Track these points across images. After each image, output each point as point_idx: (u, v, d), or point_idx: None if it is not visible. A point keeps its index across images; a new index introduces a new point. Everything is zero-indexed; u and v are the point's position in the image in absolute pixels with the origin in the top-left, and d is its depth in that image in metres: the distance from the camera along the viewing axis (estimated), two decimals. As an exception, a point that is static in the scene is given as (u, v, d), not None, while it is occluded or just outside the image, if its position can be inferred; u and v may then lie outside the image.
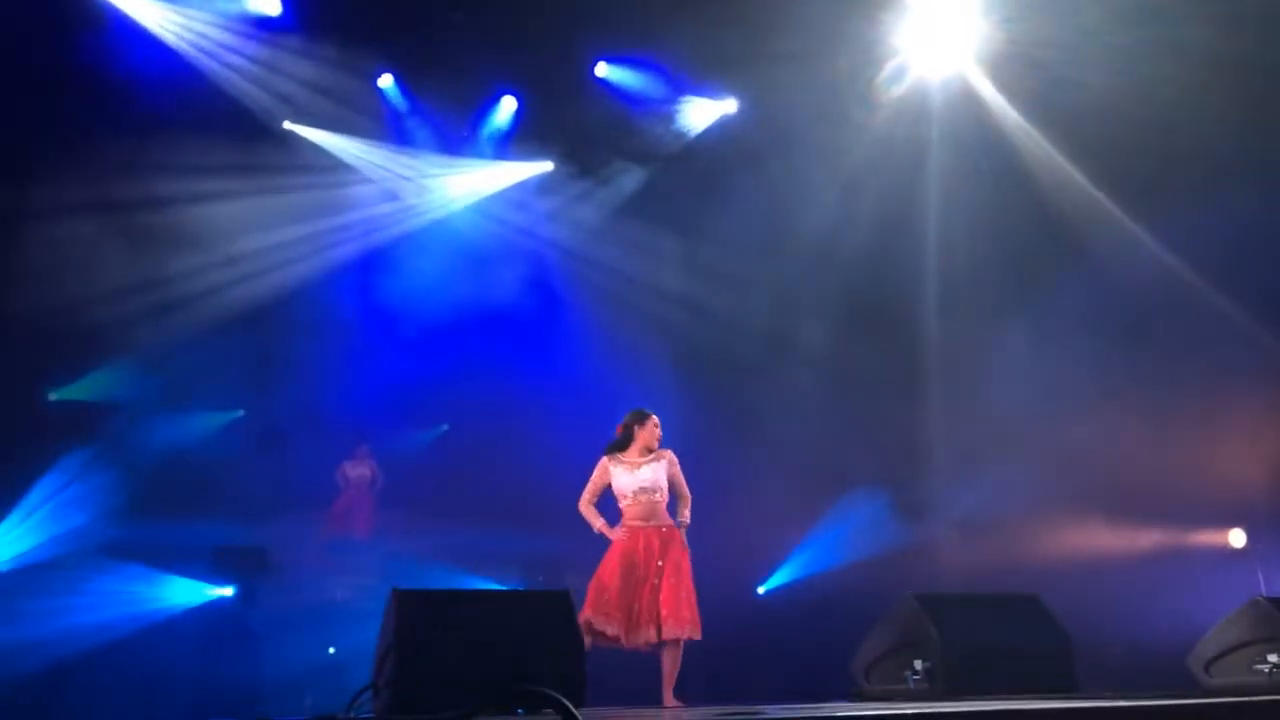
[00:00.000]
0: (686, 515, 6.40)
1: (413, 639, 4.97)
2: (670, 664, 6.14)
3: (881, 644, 6.51)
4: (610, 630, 6.06)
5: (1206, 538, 9.23)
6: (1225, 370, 8.69)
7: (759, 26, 9.26)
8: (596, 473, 6.44)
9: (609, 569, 6.21)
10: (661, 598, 6.10)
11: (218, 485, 9.24)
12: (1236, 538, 9.27)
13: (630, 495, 6.28)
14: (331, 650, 8.74)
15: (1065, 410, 9.13)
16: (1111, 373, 8.90)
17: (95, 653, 7.81)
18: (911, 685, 6.16)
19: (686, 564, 6.26)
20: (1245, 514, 9.03)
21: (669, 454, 6.43)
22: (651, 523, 6.26)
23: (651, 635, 6.11)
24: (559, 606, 5.30)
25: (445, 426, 11.01)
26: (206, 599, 8.84)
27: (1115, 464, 8.93)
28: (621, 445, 6.44)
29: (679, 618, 6.07)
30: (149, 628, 8.25)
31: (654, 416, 6.47)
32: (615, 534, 6.31)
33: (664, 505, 6.34)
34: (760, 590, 10.03)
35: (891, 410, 9.96)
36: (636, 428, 6.42)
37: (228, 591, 8.89)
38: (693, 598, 6.20)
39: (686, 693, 6.27)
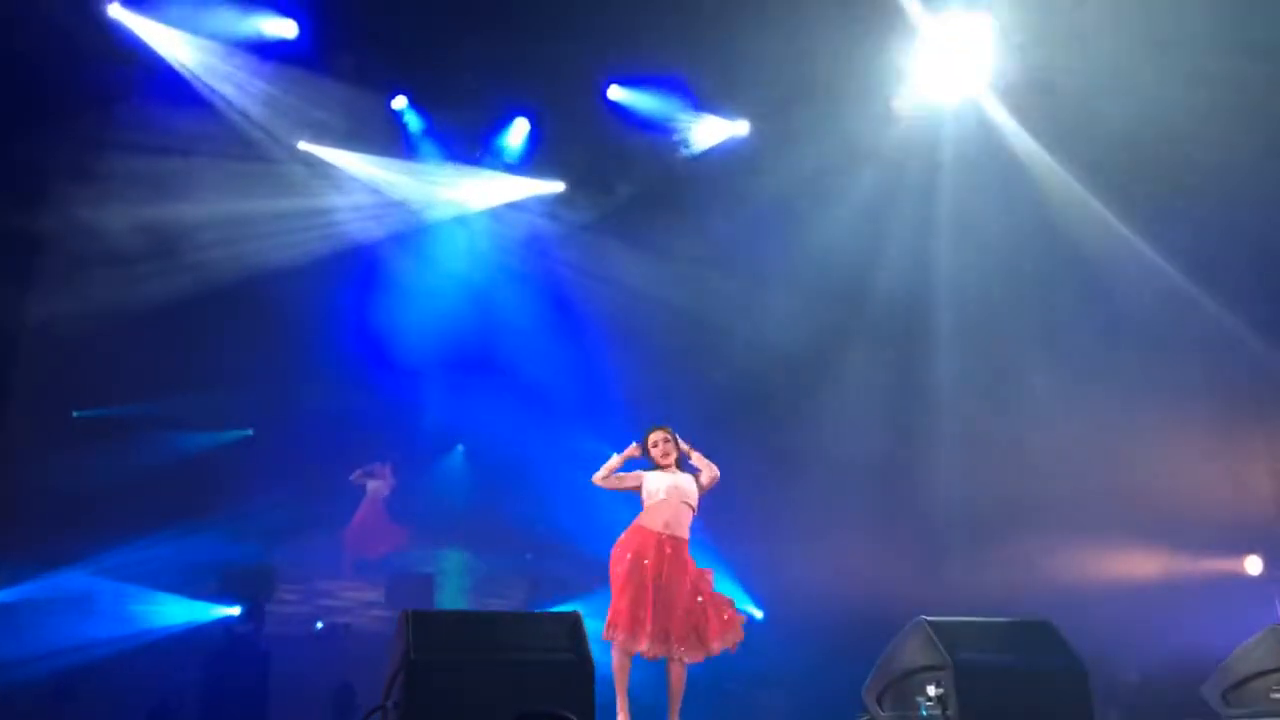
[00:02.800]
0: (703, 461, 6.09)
1: (422, 660, 4.95)
2: (679, 683, 5.99)
3: (893, 669, 6.44)
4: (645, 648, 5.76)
5: (1223, 564, 9.14)
6: (1242, 397, 8.65)
7: (771, 51, 9.30)
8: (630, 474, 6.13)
9: (639, 584, 5.83)
10: (708, 615, 5.95)
11: (226, 503, 9.25)
12: (1253, 564, 9.18)
13: (663, 491, 5.98)
14: (319, 624, 8.71)
15: (1079, 435, 9.08)
16: (1126, 398, 8.86)
17: (104, 670, 7.80)
18: (925, 712, 6.08)
19: (699, 582, 6.06)
20: (1262, 541, 8.95)
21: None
22: (668, 530, 5.94)
23: (689, 650, 5.94)
24: (569, 628, 5.27)
25: (460, 447, 11.00)
26: (214, 618, 8.83)
27: (1130, 490, 8.87)
28: (653, 465, 6.17)
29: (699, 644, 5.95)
30: (156, 646, 8.23)
31: (654, 434, 6.13)
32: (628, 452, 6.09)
33: (688, 518, 6.05)
34: (758, 614, 9.93)
35: (902, 432, 9.93)
36: (644, 450, 6.14)
37: (235, 611, 8.88)
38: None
39: (694, 715, 6.19)
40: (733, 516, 9.19)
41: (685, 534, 6.05)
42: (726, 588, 8.45)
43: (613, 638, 5.74)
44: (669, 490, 6.02)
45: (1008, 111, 9.38)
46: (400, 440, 10.54)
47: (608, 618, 5.76)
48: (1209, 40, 7.96)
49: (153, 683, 7.95)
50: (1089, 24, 8.42)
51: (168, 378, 9.59)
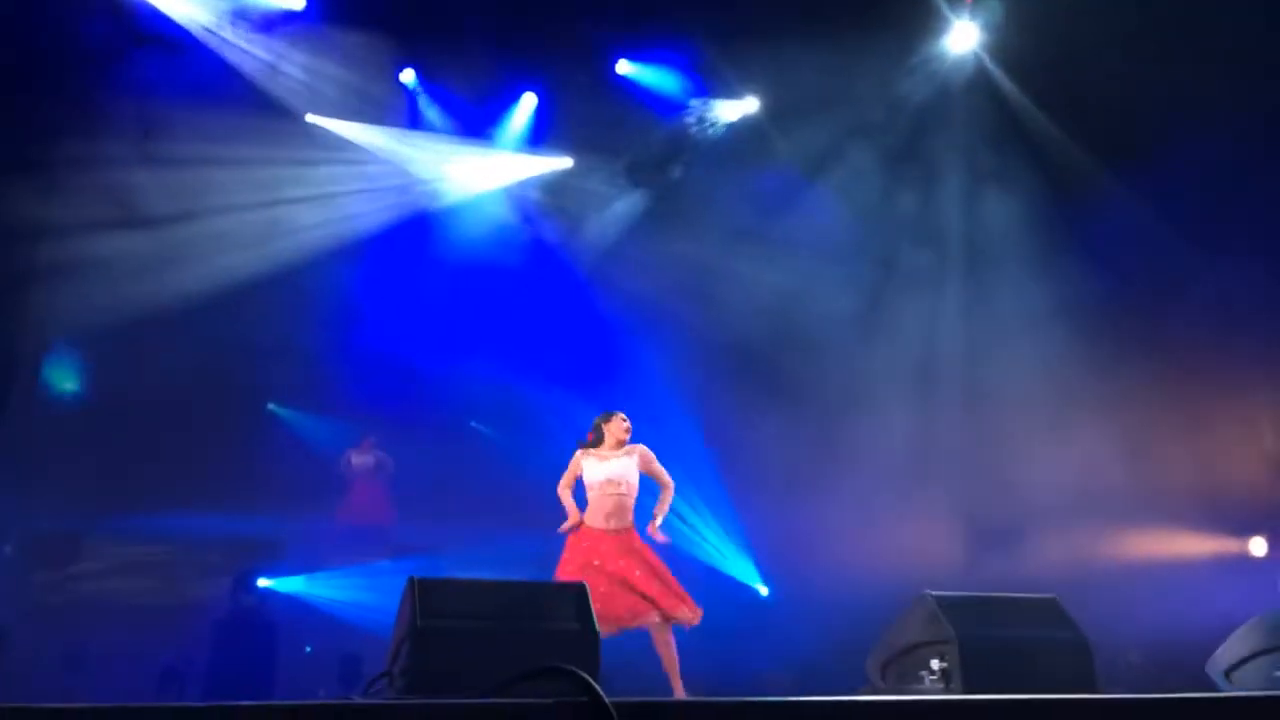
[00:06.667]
0: (664, 507, 6.39)
1: (428, 627, 4.96)
2: (669, 651, 6.12)
3: (897, 642, 6.44)
4: None
5: (1227, 545, 9.14)
6: (1253, 375, 8.62)
7: (779, 27, 9.26)
8: (571, 463, 6.50)
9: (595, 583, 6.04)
10: (643, 587, 6.07)
11: (230, 475, 9.27)
12: (1258, 546, 9.18)
13: (597, 486, 6.29)
14: (309, 649, 8.77)
15: (1085, 412, 9.07)
16: (1134, 373, 8.84)
17: (110, 638, 7.84)
18: (927, 684, 6.10)
19: (652, 554, 6.24)
20: (1267, 522, 8.94)
21: (641, 448, 6.46)
22: (611, 524, 6.22)
23: (648, 620, 6.07)
24: (575, 597, 5.28)
25: (471, 422, 10.99)
26: (220, 589, 8.87)
27: (1136, 469, 8.86)
28: (595, 443, 6.51)
29: (670, 597, 6.05)
30: (162, 615, 8.27)
31: (619, 414, 6.56)
32: (570, 523, 6.32)
33: (630, 503, 6.33)
34: (763, 591, 9.95)
35: (907, 410, 9.91)
36: (604, 426, 6.51)
37: (243, 582, 8.91)
38: (673, 580, 6.20)
39: (695, 689, 6.24)
40: (751, 491, 9.21)
41: (628, 522, 6.28)
42: (730, 563, 8.48)
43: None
44: (602, 484, 6.26)
45: (1016, 81, 9.37)
46: (405, 411, 10.50)
47: None
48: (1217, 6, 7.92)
49: (158, 650, 8.00)
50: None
51: (160, 344, 9.50)
